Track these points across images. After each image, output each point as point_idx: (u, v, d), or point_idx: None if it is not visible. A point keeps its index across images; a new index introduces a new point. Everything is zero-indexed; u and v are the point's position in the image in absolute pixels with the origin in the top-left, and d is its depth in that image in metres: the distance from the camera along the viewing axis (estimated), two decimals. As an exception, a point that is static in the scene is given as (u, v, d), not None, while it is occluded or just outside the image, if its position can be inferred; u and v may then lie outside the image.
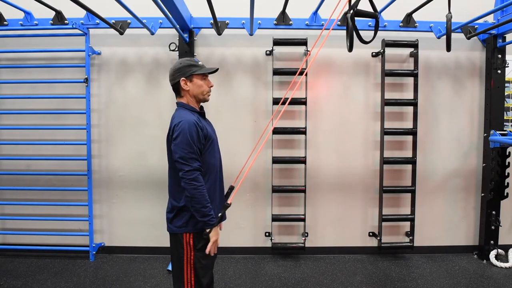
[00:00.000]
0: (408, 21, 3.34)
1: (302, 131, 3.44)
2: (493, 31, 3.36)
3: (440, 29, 3.35)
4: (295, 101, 3.42)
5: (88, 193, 3.46)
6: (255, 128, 3.57)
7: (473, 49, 3.59)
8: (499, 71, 3.41)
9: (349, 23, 1.87)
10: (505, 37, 3.42)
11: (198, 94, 1.93)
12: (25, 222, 3.57)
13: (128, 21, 3.24)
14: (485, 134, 3.51)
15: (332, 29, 3.35)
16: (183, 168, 1.77)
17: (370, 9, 2.02)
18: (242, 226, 3.64)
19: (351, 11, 1.86)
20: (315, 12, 3.25)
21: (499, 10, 3.06)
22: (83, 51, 3.37)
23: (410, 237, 3.54)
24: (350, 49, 2.01)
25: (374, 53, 3.55)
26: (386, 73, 3.44)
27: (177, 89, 1.94)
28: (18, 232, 3.55)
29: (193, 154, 1.79)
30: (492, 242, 3.48)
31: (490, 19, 3.44)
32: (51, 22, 3.27)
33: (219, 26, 3.25)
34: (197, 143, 1.82)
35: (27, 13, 3.27)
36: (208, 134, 1.91)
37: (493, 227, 3.47)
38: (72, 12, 3.16)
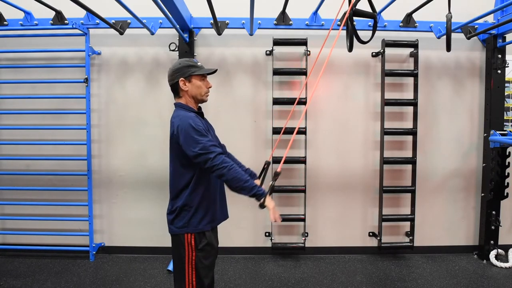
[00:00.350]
0: (408, 21, 3.34)
1: (302, 131, 3.44)
2: (493, 31, 3.36)
3: (440, 29, 3.35)
4: (294, 101, 3.42)
5: (88, 193, 3.46)
6: (255, 128, 3.57)
7: (473, 49, 3.59)
8: (499, 71, 3.41)
9: (348, 23, 1.88)
10: (505, 37, 3.42)
11: (197, 95, 1.94)
12: (25, 222, 3.57)
13: (128, 21, 3.24)
14: (485, 134, 3.51)
15: (334, 29, 3.36)
16: (207, 157, 1.76)
17: (369, 9, 2.03)
18: (242, 226, 3.64)
19: (350, 11, 1.87)
20: (315, 12, 3.25)
21: (499, 10, 3.06)
22: (83, 51, 3.37)
23: (410, 237, 3.54)
24: (350, 49, 2.01)
25: (374, 53, 3.55)
26: (386, 73, 3.44)
27: (175, 90, 1.94)
28: (18, 232, 3.55)
29: (210, 142, 1.80)
30: (492, 242, 3.47)
31: (490, 19, 3.44)
32: (51, 22, 3.27)
33: (219, 26, 3.25)
34: (206, 131, 1.85)
35: (27, 13, 3.27)
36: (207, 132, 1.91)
37: (493, 227, 3.47)
38: (72, 12, 3.16)
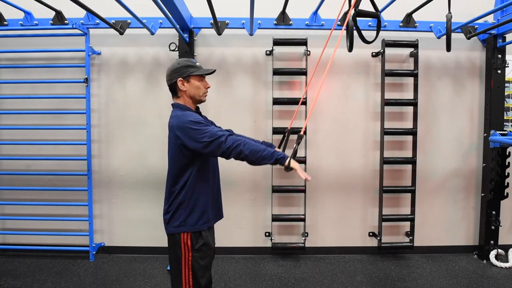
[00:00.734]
0: (408, 21, 3.34)
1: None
2: (493, 31, 3.36)
3: (440, 29, 3.35)
4: (295, 101, 3.42)
5: (88, 193, 3.46)
6: (255, 128, 3.57)
7: (473, 49, 3.59)
8: (499, 71, 3.41)
9: (350, 23, 1.87)
10: (505, 37, 3.42)
11: (195, 95, 1.93)
12: (25, 222, 3.57)
13: (128, 21, 3.24)
14: (485, 134, 3.51)
15: (335, 29, 3.36)
16: (219, 141, 1.74)
17: (371, 9, 2.02)
18: (242, 226, 3.64)
19: (352, 11, 1.86)
20: (315, 12, 3.25)
21: (499, 10, 3.06)
22: (83, 51, 3.37)
23: (410, 237, 3.54)
24: (350, 49, 2.01)
25: (374, 53, 3.55)
26: (386, 73, 3.44)
27: (174, 90, 1.94)
28: (18, 232, 3.55)
29: (214, 128, 1.80)
30: (492, 242, 3.47)
31: (490, 19, 3.44)
32: (51, 22, 3.27)
33: (219, 26, 3.25)
34: (208, 122, 1.85)
35: (27, 13, 3.27)
36: None
37: (493, 227, 3.47)
38: (72, 12, 3.16)
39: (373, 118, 3.60)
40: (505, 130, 3.45)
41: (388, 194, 3.55)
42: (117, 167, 3.59)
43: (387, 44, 3.40)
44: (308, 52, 3.43)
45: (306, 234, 3.55)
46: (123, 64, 3.55)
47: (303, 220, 3.48)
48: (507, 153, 3.39)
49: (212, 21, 3.24)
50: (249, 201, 3.63)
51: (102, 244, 3.60)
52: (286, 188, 3.53)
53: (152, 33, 3.23)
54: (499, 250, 3.47)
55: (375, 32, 2.13)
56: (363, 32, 2.10)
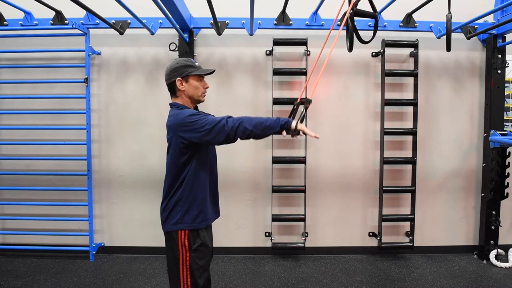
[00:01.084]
0: (408, 21, 3.34)
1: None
2: (493, 31, 3.36)
3: (440, 29, 3.35)
4: (294, 101, 3.41)
5: (88, 193, 3.46)
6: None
7: (473, 49, 3.59)
8: (499, 71, 3.41)
9: (349, 23, 1.87)
10: (505, 37, 3.42)
11: (194, 95, 1.93)
12: (25, 222, 3.57)
13: (128, 21, 3.24)
14: (485, 134, 3.51)
15: (335, 29, 3.36)
16: (221, 125, 1.72)
17: (370, 9, 2.02)
18: (242, 226, 3.64)
19: (351, 11, 1.86)
20: (315, 12, 3.25)
21: (499, 10, 3.06)
22: (83, 51, 3.37)
23: (410, 237, 3.54)
24: (350, 49, 2.01)
25: (374, 53, 3.55)
26: (386, 73, 3.44)
27: (172, 89, 1.94)
28: (18, 232, 3.55)
29: (212, 116, 1.80)
30: (492, 242, 3.47)
31: (490, 19, 3.44)
32: (51, 22, 3.27)
33: (219, 26, 3.25)
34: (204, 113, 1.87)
35: (27, 13, 3.27)
36: None
37: (493, 227, 3.47)
38: (72, 12, 3.16)
39: (373, 118, 3.60)
40: (505, 130, 3.44)
41: (388, 194, 3.55)
42: (117, 167, 3.59)
43: (387, 44, 3.40)
44: (308, 52, 3.44)
45: (306, 234, 3.55)
46: (123, 64, 3.55)
47: (303, 220, 3.48)
48: (507, 153, 3.39)
49: (212, 21, 3.24)
50: (249, 201, 3.63)
51: (102, 244, 3.60)
52: (286, 188, 3.53)
53: (152, 33, 3.23)
54: (499, 250, 3.47)
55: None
56: (364, 32, 2.11)
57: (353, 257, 3.59)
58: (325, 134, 3.60)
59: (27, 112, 3.50)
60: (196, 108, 2.02)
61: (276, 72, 3.43)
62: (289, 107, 3.49)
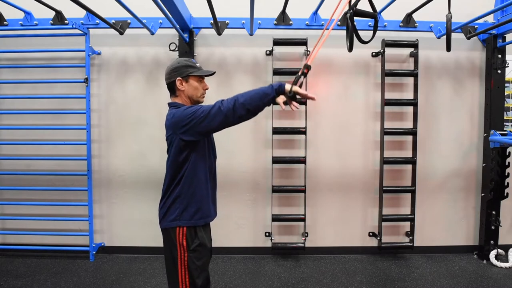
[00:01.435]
0: (408, 21, 3.34)
1: (302, 131, 3.44)
2: (493, 31, 3.36)
3: (440, 29, 3.35)
4: (295, 101, 3.42)
5: (88, 193, 3.46)
6: (255, 128, 3.57)
7: (473, 49, 3.59)
8: (499, 71, 3.41)
9: (348, 23, 1.87)
10: (505, 37, 3.42)
11: (193, 96, 1.93)
12: (25, 222, 3.57)
13: (128, 21, 3.24)
14: (485, 134, 3.51)
15: (332, 29, 3.35)
16: (215, 108, 1.70)
17: (370, 9, 2.02)
18: (242, 226, 3.64)
19: (351, 11, 1.86)
20: (315, 12, 3.25)
21: (499, 10, 3.06)
22: (83, 51, 3.37)
23: (410, 237, 3.54)
24: (350, 49, 2.01)
25: (374, 53, 3.55)
26: (386, 73, 3.44)
27: (172, 88, 1.95)
28: (18, 232, 3.55)
29: (205, 106, 1.75)
30: (492, 242, 3.47)
31: (490, 19, 3.44)
32: (51, 22, 3.27)
33: (219, 26, 3.25)
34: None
35: (27, 13, 3.27)
36: None
37: (493, 227, 3.47)
38: (72, 12, 3.16)
39: (373, 118, 3.60)
40: (505, 130, 3.44)
41: (388, 194, 3.55)
42: (117, 167, 3.59)
43: (387, 44, 3.40)
44: (308, 52, 3.44)
45: (306, 234, 3.55)
46: (123, 64, 3.55)
47: (303, 220, 3.48)
48: (507, 153, 3.39)
49: (212, 21, 3.24)
50: (249, 201, 3.63)
51: (102, 244, 3.60)
52: (286, 188, 3.53)
53: (152, 33, 3.23)
54: (499, 250, 3.47)
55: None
56: (364, 32, 2.11)
57: (353, 257, 3.59)
58: (325, 134, 3.60)
59: (27, 112, 3.50)
60: None
61: (276, 72, 3.43)
62: (289, 107, 3.51)
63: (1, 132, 3.59)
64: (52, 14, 3.23)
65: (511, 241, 3.63)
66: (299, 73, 1.69)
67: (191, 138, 1.79)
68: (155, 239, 3.48)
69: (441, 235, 3.68)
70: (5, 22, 3.33)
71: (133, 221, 3.59)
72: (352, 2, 1.87)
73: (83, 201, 3.48)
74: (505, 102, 3.48)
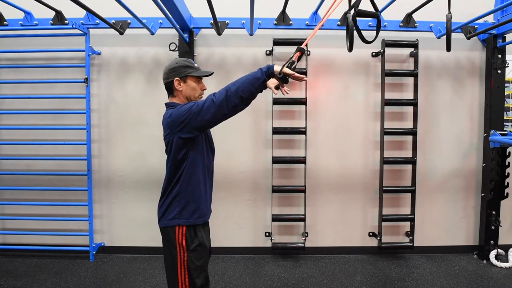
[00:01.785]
0: (408, 21, 3.34)
1: (302, 131, 3.44)
2: (493, 31, 3.36)
3: (440, 29, 3.35)
4: (295, 101, 3.43)
5: (88, 193, 3.46)
6: (255, 128, 3.57)
7: (473, 49, 3.59)
8: (499, 71, 3.41)
9: (349, 23, 1.87)
10: (505, 37, 3.42)
11: (191, 96, 1.93)
12: (25, 222, 3.57)
13: (128, 21, 3.24)
14: (485, 134, 3.51)
15: (334, 29, 3.36)
16: (208, 101, 1.69)
17: (370, 9, 2.02)
18: (242, 226, 3.64)
19: (352, 11, 1.86)
20: (315, 12, 3.25)
21: (499, 10, 3.06)
22: (83, 51, 3.37)
23: (410, 237, 3.54)
24: (350, 49, 2.00)
25: (374, 53, 3.55)
26: (386, 73, 3.44)
27: (170, 88, 1.95)
28: (18, 232, 3.55)
29: (199, 101, 1.75)
30: (492, 242, 3.47)
31: (490, 19, 3.44)
32: (51, 22, 3.27)
33: (219, 26, 3.25)
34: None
35: (27, 13, 3.27)
36: None
37: (493, 227, 3.47)
38: (72, 12, 3.16)
39: (373, 118, 3.60)
40: (505, 130, 3.45)
41: (388, 194, 3.55)
42: (117, 167, 3.59)
43: (387, 44, 3.40)
44: (308, 52, 3.43)
45: (306, 234, 3.55)
46: (123, 64, 3.55)
47: (303, 220, 3.48)
48: (507, 153, 3.39)
49: (212, 21, 3.24)
50: (249, 201, 3.63)
51: (102, 244, 3.60)
52: (286, 188, 3.53)
53: (152, 33, 3.23)
54: (499, 250, 3.47)
55: (375, 32, 2.13)
56: (363, 32, 2.10)
57: (353, 257, 3.59)
58: (325, 134, 3.60)
59: (27, 112, 3.50)
60: None
61: (276, 72, 3.42)
62: (289, 107, 3.52)
63: (1, 132, 3.59)
64: (52, 14, 3.23)
65: (511, 241, 3.63)
66: (292, 56, 1.66)
67: (189, 135, 1.79)
68: (155, 239, 3.47)
69: (441, 235, 3.68)
70: (5, 22, 3.33)
71: (133, 221, 3.59)
72: (353, 2, 1.86)
73: (83, 201, 3.48)
74: (505, 102, 3.48)
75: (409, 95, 3.55)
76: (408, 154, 3.54)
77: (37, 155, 3.54)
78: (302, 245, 3.48)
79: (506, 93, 3.48)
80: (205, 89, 1.99)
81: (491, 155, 3.42)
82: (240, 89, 1.69)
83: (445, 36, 2.69)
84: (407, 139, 3.58)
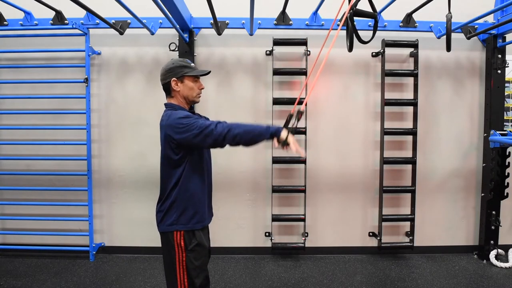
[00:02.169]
0: (408, 21, 3.34)
1: (302, 131, 3.44)
2: (493, 31, 3.36)
3: (440, 29, 3.35)
4: (295, 101, 3.42)
5: (88, 193, 3.46)
6: (255, 128, 3.56)
7: (473, 49, 3.59)
8: (499, 71, 3.41)
9: (348, 23, 1.87)
10: (505, 37, 3.42)
11: (188, 96, 1.94)
12: (25, 222, 3.57)
13: (128, 21, 3.24)
14: (485, 134, 3.51)
15: (334, 29, 3.35)
16: (209, 130, 1.71)
17: (369, 9, 2.02)
18: (242, 226, 3.64)
19: (350, 11, 1.86)
20: (315, 12, 3.25)
21: (499, 10, 3.06)
22: (83, 51, 3.37)
23: (410, 237, 3.54)
24: (350, 49, 2.01)
25: (374, 53, 3.55)
26: (386, 73, 3.44)
27: (167, 89, 1.96)
28: (18, 232, 3.55)
29: (203, 120, 1.77)
30: (492, 242, 3.47)
31: (490, 19, 3.44)
32: (51, 22, 3.27)
33: (219, 26, 3.25)
34: (199, 116, 1.87)
35: (27, 13, 3.27)
36: None
37: (493, 227, 3.47)
38: (72, 12, 3.16)
39: (373, 118, 3.60)
40: (505, 130, 3.45)
41: (388, 194, 3.55)
42: (117, 167, 3.59)
43: (387, 44, 3.40)
44: (308, 52, 3.43)
45: (306, 234, 3.55)
46: (123, 64, 3.55)
47: (303, 220, 3.48)
48: (507, 153, 3.39)
49: (212, 21, 3.24)
50: (249, 201, 3.63)
51: (102, 244, 3.60)
52: (286, 188, 3.53)
53: (152, 33, 3.23)
54: (499, 250, 3.47)
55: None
56: (364, 32, 2.11)
57: (353, 257, 3.59)
58: (325, 134, 3.60)
59: (27, 112, 3.50)
60: (191, 108, 2.02)
61: (276, 72, 3.43)
62: (289, 107, 3.51)
63: (1, 132, 3.59)
64: (52, 14, 3.23)
65: (511, 241, 3.63)
66: (294, 120, 1.73)
67: (181, 142, 1.81)
68: (155, 239, 3.46)
69: (441, 235, 3.68)
70: (5, 22, 3.33)
71: (133, 221, 3.59)
72: (352, 2, 1.87)
73: (83, 201, 3.48)
74: (505, 102, 3.48)
75: (409, 95, 3.55)
76: (408, 154, 3.54)
77: (37, 155, 3.54)
78: (302, 245, 3.48)
79: (506, 93, 3.48)
80: (202, 88, 2.00)
81: (491, 155, 3.42)
82: (241, 135, 1.70)
83: (445, 36, 2.69)
84: (407, 139, 3.58)
